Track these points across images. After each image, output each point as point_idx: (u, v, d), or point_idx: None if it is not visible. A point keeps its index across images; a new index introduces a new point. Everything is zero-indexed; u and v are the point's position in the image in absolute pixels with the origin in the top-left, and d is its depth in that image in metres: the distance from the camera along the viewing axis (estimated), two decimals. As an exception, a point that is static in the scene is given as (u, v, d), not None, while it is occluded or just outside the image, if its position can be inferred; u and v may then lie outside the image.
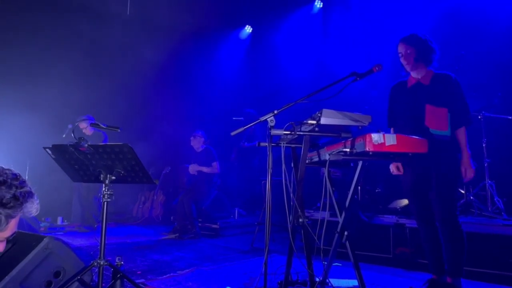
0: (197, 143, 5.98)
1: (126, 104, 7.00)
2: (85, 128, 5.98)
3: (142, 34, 7.15)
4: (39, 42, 6.17)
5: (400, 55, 2.84)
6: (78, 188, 5.95)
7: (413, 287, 2.81)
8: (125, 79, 7.09)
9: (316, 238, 2.34)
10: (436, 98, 2.72)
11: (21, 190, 1.22)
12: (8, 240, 1.28)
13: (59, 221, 6.11)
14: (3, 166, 1.26)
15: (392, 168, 2.96)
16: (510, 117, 4.51)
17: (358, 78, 2.44)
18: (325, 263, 2.62)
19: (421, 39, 2.79)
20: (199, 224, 5.61)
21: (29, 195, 1.25)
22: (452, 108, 2.72)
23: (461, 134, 2.71)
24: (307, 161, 2.44)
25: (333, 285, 2.56)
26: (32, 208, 1.26)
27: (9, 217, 1.20)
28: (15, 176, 1.24)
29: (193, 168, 5.85)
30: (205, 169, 5.80)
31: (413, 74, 2.86)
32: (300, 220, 2.38)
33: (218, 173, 5.95)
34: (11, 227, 1.23)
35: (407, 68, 2.82)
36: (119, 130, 2.53)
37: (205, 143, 6.04)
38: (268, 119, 2.18)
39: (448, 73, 2.79)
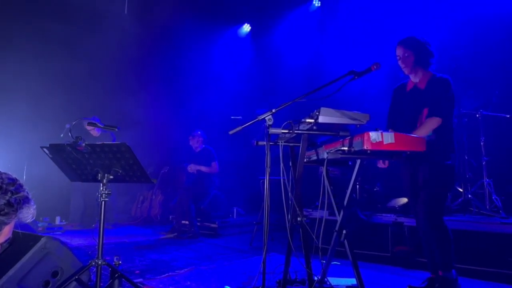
0: (195, 142, 5.97)
1: (125, 103, 6.98)
2: (92, 129, 5.98)
3: (139, 32, 7.13)
4: (34, 42, 6.14)
5: (398, 57, 2.83)
6: (82, 187, 5.93)
7: (411, 285, 2.81)
8: (123, 78, 7.08)
9: (314, 237, 2.33)
10: (430, 101, 2.71)
11: (17, 196, 1.18)
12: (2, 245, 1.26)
13: (57, 220, 6.09)
14: (0, 170, 1.23)
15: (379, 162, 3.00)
16: (508, 116, 4.52)
17: (356, 77, 2.44)
18: (324, 262, 2.62)
19: (420, 42, 2.77)
20: (198, 224, 5.61)
21: (24, 201, 1.21)
22: (430, 105, 2.69)
23: (426, 120, 2.65)
24: (305, 160, 2.44)
25: (332, 284, 2.56)
26: (28, 214, 1.22)
27: (2, 224, 1.16)
28: (12, 181, 1.20)
29: (192, 168, 5.84)
30: (204, 169, 5.80)
31: (412, 78, 2.87)
32: (299, 219, 2.38)
33: (217, 172, 5.94)
34: (5, 233, 1.20)
35: (405, 71, 2.83)
36: (116, 130, 2.52)
37: (204, 142, 6.03)
38: (266, 118, 2.18)
39: (445, 76, 2.76)
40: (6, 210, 1.15)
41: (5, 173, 1.20)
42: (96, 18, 6.52)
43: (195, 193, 5.71)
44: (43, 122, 5.92)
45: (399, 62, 2.83)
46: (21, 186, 1.21)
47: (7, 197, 1.15)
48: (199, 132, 6.00)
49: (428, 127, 2.64)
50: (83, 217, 6.15)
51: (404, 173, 2.88)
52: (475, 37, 4.97)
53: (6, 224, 1.17)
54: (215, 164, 5.86)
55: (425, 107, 2.73)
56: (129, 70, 7.20)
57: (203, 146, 6.01)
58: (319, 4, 7.25)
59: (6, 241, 1.23)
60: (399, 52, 2.82)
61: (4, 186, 1.16)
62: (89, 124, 2.65)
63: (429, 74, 2.80)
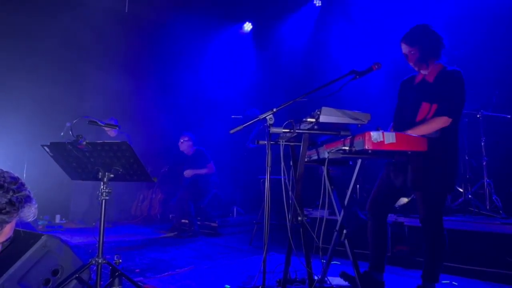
0: (186, 147, 5.91)
1: (126, 103, 6.99)
2: (109, 130, 6.06)
3: (139, 30, 7.12)
4: (35, 40, 6.13)
5: (404, 55, 2.68)
6: (88, 186, 5.94)
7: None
8: (124, 76, 7.07)
9: (315, 236, 2.33)
10: (435, 95, 2.54)
11: (18, 194, 1.18)
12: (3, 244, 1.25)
13: (57, 219, 6.10)
14: (2, 169, 1.22)
15: None
16: (509, 116, 4.52)
17: (357, 76, 2.43)
18: (324, 261, 2.62)
19: (424, 33, 2.59)
20: (198, 223, 5.61)
21: (26, 199, 1.20)
22: (439, 101, 2.50)
23: (433, 119, 2.46)
24: (306, 159, 2.44)
25: (332, 283, 2.56)
26: (29, 213, 1.22)
27: (3, 222, 1.16)
28: (13, 180, 1.19)
29: (188, 173, 5.78)
30: (200, 172, 5.76)
31: (422, 71, 2.69)
32: (299, 218, 2.38)
33: (215, 172, 5.95)
34: (6, 232, 1.20)
35: (415, 68, 2.67)
36: (118, 128, 2.52)
37: (195, 144, 5.98)
38: (267, 117, 2.18)
39: (456, 68, 2.56)
40: (7, 209, 1.15)
41: (7, 172, 1.20)
42: (99, 16, 6.52)
43: (195, 192, 5.72)
44: (44, 120, 5.92)
45: (407, 60, 2.68)
46: (23, 185, 1.21)
47: (8, 196, 1.15)
48: (187, 136, 5.92)
49: (434, 125, 2.45)
50: (86, 216, 6.16)
51: (392, 171, 2.71)
52: (475, 36, 4.95)
53: (7, 223, 1.17)
54: (211, 165, 5.83)
55: (425, 100, 2.56)
56: (129, 69, 7.19)
57: (195, 148, 5.96)
58: (320, 4, 7.25)
59: (7, 240, 1.22)
60: (404, 49, 2.66)
61: (6, 184, 1.16)
62: (90, 122, 2.64)
63: (439, 67, 2.60)
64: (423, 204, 2.52)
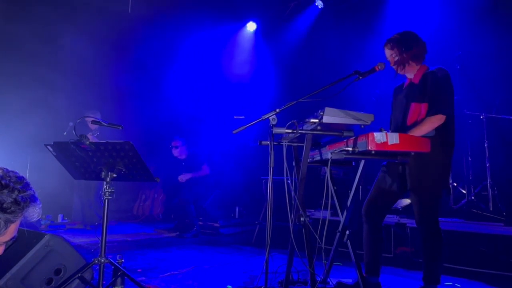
0: (178, 152, 5.92)
1: (127, 103, 7.00)
2: (89, 121, 6.05)
3: (141, 30, 7.13)
4: (38, 38, 6.14)
5: (388, 59, 2.70)
6: (78, 185, 5.95)
7: (341, 281, 2.74)
8: (124, 77, 7.08)
9: (317, 237, 2.33)
10: (423, 94, 2.54)
11: (23, 194, 1.18)
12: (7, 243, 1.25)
13: (59, 218, 6.11)
14: (8, 168, 1.22)
15: None
16: (512, 117, 4.51)
17: (360, 77, 2.43)
18: (326, 262, 2.62)
19: (404, 38, 2.62)
20: (200, 223, 5.62)
21: (31, 199, 1.20)
22: (429, 100, 2.50)
23: (428, 118, 2.45)
24: (309, 160, 2.44)
25: (334, 284, 2.56)
26: (34, 212, 1.22)
27: (8, 222, 1.16)
28: (19, 179, 1.20)
29: (182, 178, 5.75)
30: (195, 175, 5.75)
31: (408, 75, 2.72)
32: (302, 219, 2.37)
33: (209, 174, 5.92)
34: (10, 231, 1.20)
35: (398, 71, 2.68)
36: (121, 128, 2.52)
37: (188, 148, 5.98)
38: (270, 118, 2.18)
39: (439, 67, 2.57)
40: (13, 208, 1.14)
41: (12, 171, 1.20)
42: (101, 17, 6.53)
43: (195, 192, 5.72)
44: (47, 119, 5.93)
45: (391, 64, 2.69)
46: (28, 184, 1.21)
47: (14, 195, 1.15)
48: (179, 141, 5.92)
49: (431, 124, 2.43)
50: (83, 216, 6.16)
51: (387, 175, 2.73)
52: (479, 37, 4.93)
53: (12, 222, 1.17)
54: (205, 166, 5.84)
55: (413, 101, 2.57)
56: (130, 68, 7.19)
57: (187, 152, 5.97)
58: (322, 6, 7.23)
59: (11, 239, 1.22)
60: (387, 53, 2.69)
61: (12, 184, 1.16)
62: (94, 122, 2.65)
63: (423, 68, 2.63)
64: (419, 205, 2.51)
